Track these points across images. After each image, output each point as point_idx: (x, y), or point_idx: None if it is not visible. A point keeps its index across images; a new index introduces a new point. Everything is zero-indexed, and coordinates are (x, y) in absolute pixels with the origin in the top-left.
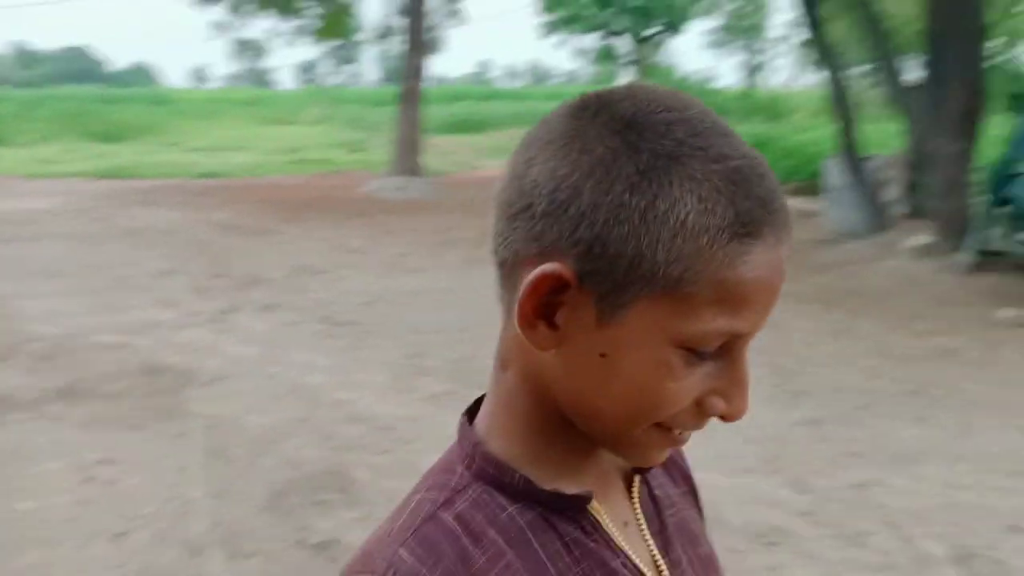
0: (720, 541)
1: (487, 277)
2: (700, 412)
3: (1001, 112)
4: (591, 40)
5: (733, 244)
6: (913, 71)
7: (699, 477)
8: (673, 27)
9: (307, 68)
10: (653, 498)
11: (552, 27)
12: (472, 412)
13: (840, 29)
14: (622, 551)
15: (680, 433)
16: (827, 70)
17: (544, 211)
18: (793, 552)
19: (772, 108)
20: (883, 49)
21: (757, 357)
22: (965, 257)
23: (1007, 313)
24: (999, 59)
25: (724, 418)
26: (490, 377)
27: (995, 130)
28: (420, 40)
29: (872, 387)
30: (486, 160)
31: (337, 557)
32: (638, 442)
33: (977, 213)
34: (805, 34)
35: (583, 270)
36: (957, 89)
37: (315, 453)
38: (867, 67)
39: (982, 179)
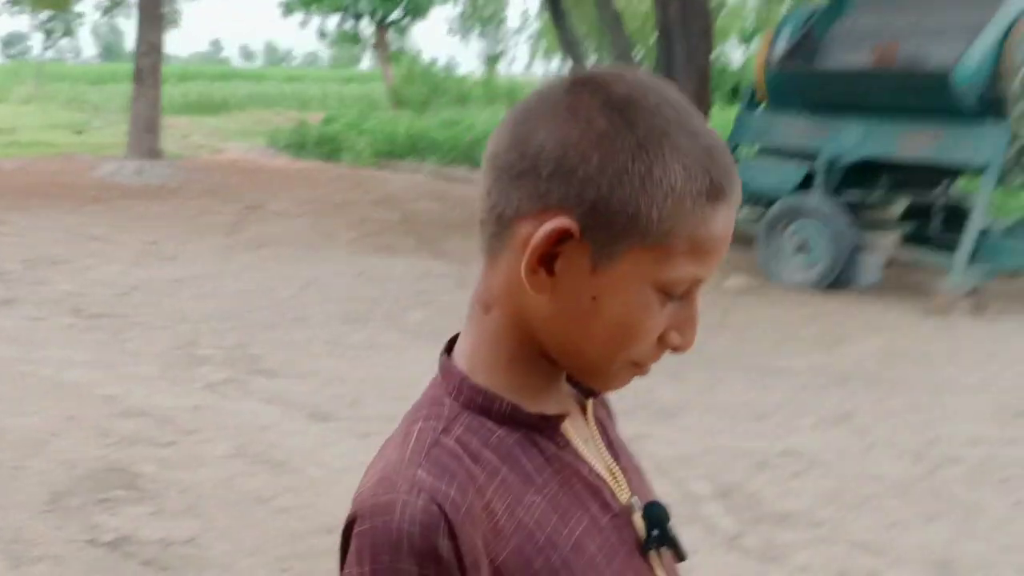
0: None
1: (248, 262)
2: (661, 346)
3: (720, 104)
4: (333, 21)
5: (708, 205)
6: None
7: None
8: (416, 12)
9: (13, 41)
10: (596, 418)
11: (291, 7)
12: (448, 350)
13: (582, 20)
14: (587, 462)
15: (644, 366)
16: (570, 60)
17: (551, 173)
18: None
19: (512, 95)
20: (620, 41)
21: None
22: None
23: (735, 281)
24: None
25: (677, 349)
26: (469, 319)
27: (715, 120)
28: (156, 13)
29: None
30: (228, 143)
31: (134, 553)
32: (611, 374)
33: None
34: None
35: (585, 225)
36: (687, 80)
37: (92, 451)
38: (607, 57)
39: None
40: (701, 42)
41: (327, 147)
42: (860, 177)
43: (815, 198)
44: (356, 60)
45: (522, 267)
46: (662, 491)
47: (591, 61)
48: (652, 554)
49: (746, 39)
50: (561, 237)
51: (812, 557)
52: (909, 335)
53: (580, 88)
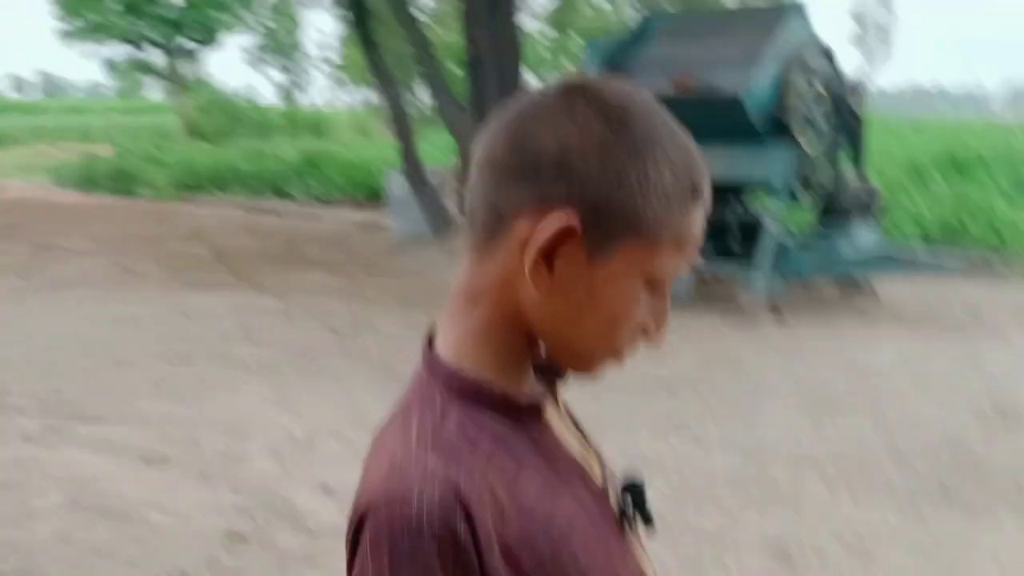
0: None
1: (49, 305)
2: (638, 336)
3: None
4: (122, 51)
5: (690, 204)
6: (458, 89)
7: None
8: (207, 41)
9: None
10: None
11: (73, 35)
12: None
13: (389, 49)
14: (566, 444)
15: (623, 353)
16: (383, 88)
17: (553, 173)
18: None
19: (316, 126)
20: (431, 69)
21: (362, 361)
22: None
23: None
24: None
25: (651, 339)
26: (454, 314)
27: None
28: None
29: None
30: (7, 179)
31: None
32: (596, 361)
33: None
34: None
35: (585, 222)
36: (497, 106)
37: None
38: (419, 85)
39: None
40: (511, 71)
41: (121, 181)
42: None
43: None
44: (143, 89)
45: (526, 261)
46: None
47: (402, 90)
48: (628, 528)
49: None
50: (564, 233)
51: (662, 548)
52: (723, 343)
53: (575, 94)
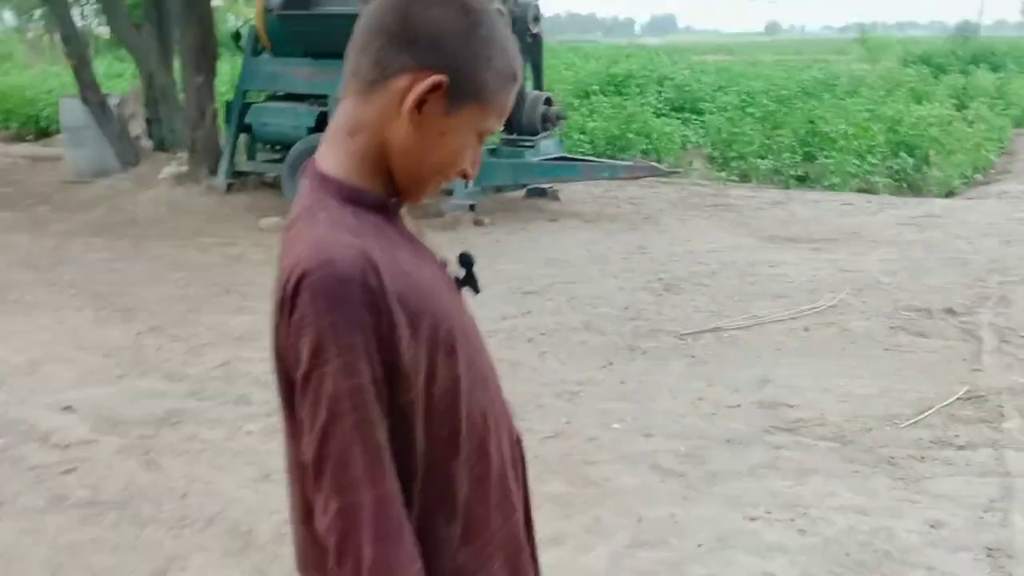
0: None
1: None
2: (460, 173)
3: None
4: None
5: (510, 85)
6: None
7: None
8: None
9: None
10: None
11: None
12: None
13: None
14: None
15: (446, 183)
16: (54, 11)
17: (432, 45)
18: (198, 422)
19: None
20: None
21: (69, 290)
22: (220, 180)
23: (269, 221)
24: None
25: (467, 176)
26: (333, 143)
27: (224, 67)
28: None
29: (190, 294)
30: None
31: None
32: (430, 187)
33: (223, 141)
34: None
35: (448, 84)
36: (187, 29)
37: None
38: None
39: (222, 110)
40: None
41: None
42: None
43: None
44: None
45: (406, 105)
46: (266, 400)
47: (75, 13)
48: (462, 291)
49: None
50: (435, 88)
51: None
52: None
53: None
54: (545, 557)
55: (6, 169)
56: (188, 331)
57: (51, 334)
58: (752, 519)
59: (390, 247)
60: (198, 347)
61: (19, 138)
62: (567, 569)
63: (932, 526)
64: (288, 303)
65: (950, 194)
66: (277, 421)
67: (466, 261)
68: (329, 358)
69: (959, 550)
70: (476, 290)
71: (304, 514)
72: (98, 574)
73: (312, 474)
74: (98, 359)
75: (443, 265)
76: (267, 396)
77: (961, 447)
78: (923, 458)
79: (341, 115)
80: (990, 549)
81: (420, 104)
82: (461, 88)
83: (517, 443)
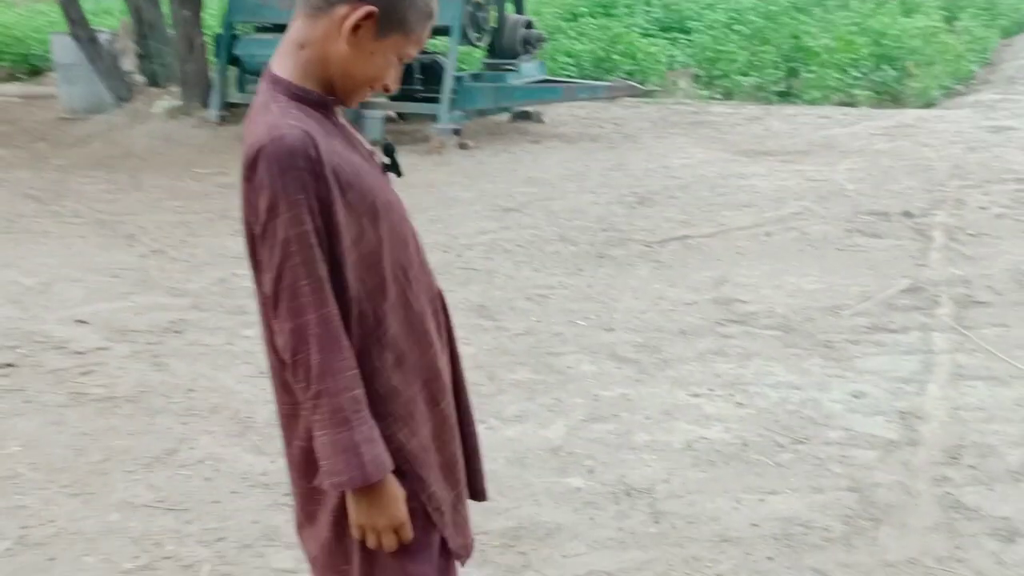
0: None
1: None
2: (383, 85)
3: None
4: None
5: (427, 21)
6: None
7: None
8: None
9: None
10: None
11: None
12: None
13: None
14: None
15: (372, 93)
16: None
17: None
18: (200, 329)
19: None
20: None
21: (74, 220)
22: (212, 113)
23: None
24: None
25: (388, 89)
26: (287, 54)
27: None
28: None
29: (188, 220)
30: None
31: None
32: (359, 95)
33: (214, 73)
34: None
35: (380, 14)
36: None
37: None
38: None
39: (211, 42)
40: None
41: None
42: None
43: None
44: None
45: (346, 27)
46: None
47: None
48: (388, 175)
49: None
50: (367, 17)
51: None
52: (417, 170)
53: None
54: (509, 431)
55: (1, 108)
56: (187, 252)
57: (59, 259)
58: (696, 395)
59: (327, 135)
60: (197, 266)
61: (11, 77)
62: (529, 441)
63: (855, 396)
64: (249, 172)
65: (928, 105)
66: None
67: (388, 150)
68: (281, 211)
69: (876, 414)
70: (398, 174)
71: (269, 340)
72: (116, 453)
73: (271, 305)
74: (105, 279)
75: (371, 154)
76: None
77: (893, 331)
78: (857, 341)
79: (293, 31)
80: (903, 413)
81: (355, 29)
82: (389, 20)
83: (438, 296)
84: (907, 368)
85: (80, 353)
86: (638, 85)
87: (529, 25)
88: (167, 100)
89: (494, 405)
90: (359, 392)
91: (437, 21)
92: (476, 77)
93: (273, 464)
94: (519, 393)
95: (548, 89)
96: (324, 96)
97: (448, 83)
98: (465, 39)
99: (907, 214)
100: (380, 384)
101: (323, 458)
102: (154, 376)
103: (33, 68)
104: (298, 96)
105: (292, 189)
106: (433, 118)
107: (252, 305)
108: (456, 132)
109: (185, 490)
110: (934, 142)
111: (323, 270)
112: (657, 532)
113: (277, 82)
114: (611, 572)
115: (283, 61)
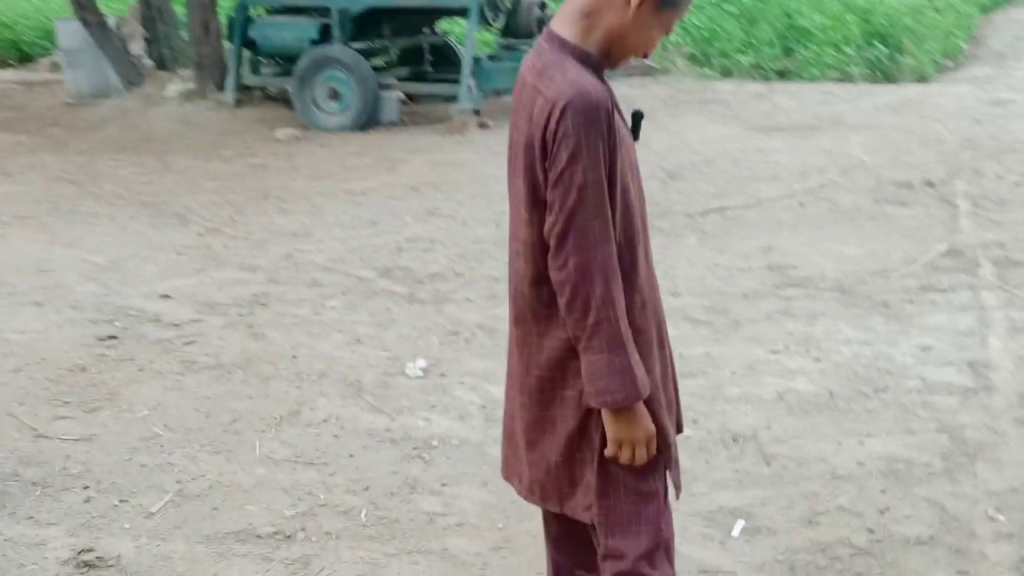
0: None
1: None
2: (648, 53)
3: None
4: None
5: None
6: None
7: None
8: None
9: None
10: None
11: None
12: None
13: None
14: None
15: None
16: None
17: None
18: (283, 302)
19: None
20: None
21: (119, 200)
22: (229, 95)
23: (284, 132)
24: None
25: (648, 55)
26: (571, 20)
27: None
28: None
29: (231, 200)
30: None
31: None
32: (626, 61)
33: (229, 56)
34: None
35: None
36: None
37: None
38: None
39: (226, 25)
40: None
41: None
42: (365, 27)
43: (336, 49)
44: None
45: (633, 2)
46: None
47: None
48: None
49: None
50: None
51: (457, 293)
52: (445, 151)
53: None
54: None
55: (3, 94)
56: (243, 231)
57: (118, 239)
58: (774, 352)
59: (613, 101)
60: (259, 242)
61: (3, 64)
62: None
63: (923, 350)
64: (552, 122)
65: (923, 80)
66: (352, 298)
67: (637, 116)
68: (581, 159)
69: (946, 365)
70: (636, 138)
71: (535, 278)
72: (243, 415)
73: (555, 243)
74: (172, 256)
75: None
76: (335, 279)
77: (943, 290)
78: (912, 300)
79: (577, 2)
80: (972, 363)
81: (640, 3)
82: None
83: None
84: (965, 323)
85: (176, 325)
86: (651, 64)
87: (543, 6)
88: (179, 83)
89: None
90: (627, 323)
91: (450, 3)
92: (493, 58)
93: (394, 422)
94: None
95: None
96: (601, 59)
97: (468, 63)
98: (483, 20)
99: (929, 184)
100: (631, 321)
101: (597, 379)
102: (255, 345)
103: (23, 54)
104: (582, 59)
105: (594, 140)
106: (445, 99)
107: (325, 278)
108: (476, 112)
109: (318, 446)
110: (940, 116)
111: (610, 213)
112: (771, 472)
113: (564, 45)
114: (738, 507)
115: (567, 26)
